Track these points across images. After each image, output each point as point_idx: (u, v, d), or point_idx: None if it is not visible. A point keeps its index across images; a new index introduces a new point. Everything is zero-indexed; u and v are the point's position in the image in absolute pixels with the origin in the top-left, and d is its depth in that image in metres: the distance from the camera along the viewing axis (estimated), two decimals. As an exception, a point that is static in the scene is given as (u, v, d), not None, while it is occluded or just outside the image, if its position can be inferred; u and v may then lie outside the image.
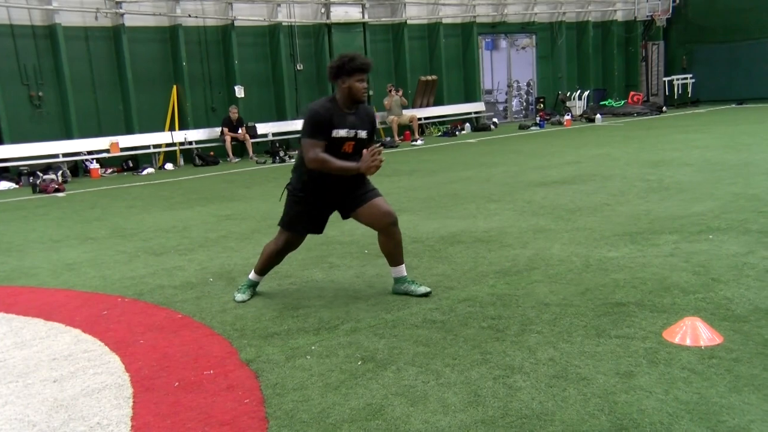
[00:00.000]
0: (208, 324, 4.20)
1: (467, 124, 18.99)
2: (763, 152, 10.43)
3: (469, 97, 20.05)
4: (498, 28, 20.85)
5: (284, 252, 4.63)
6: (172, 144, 15.33)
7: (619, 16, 23.42)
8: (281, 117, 16.80)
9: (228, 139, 15.28)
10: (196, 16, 15.74)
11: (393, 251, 4.49)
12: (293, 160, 5.62)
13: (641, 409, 2.78)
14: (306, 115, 4.23)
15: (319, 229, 4.59)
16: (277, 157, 14.63)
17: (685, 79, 23.12)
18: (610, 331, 3.65)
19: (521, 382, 3.11)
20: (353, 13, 17.87)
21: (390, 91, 17.18)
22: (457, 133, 18.21)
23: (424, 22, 19.21)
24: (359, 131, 4.26)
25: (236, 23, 16.16)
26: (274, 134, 16.25)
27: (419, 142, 16.66)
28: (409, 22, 18.64)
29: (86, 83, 14.80)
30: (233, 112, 15.50)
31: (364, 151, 4.16)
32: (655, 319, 3.77)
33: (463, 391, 3.06)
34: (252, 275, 4.73)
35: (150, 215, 8.71)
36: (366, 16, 18.02)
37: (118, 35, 14.91)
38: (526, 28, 21.32)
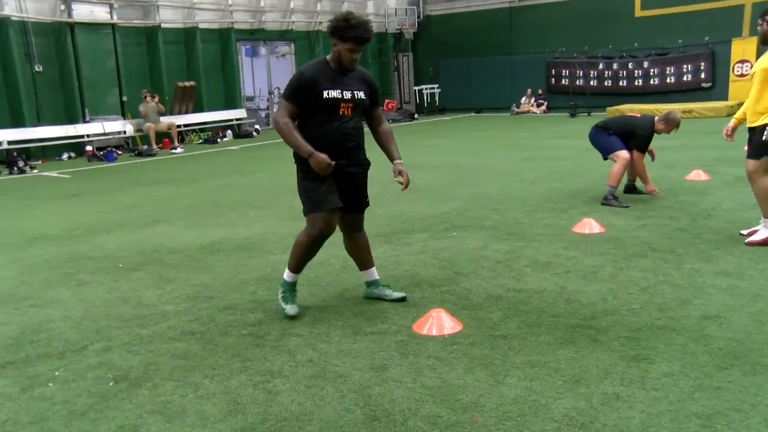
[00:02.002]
0: (-74, 360, 3.66)
1: (229, 131, 18.71)
2: (496, 156, 11.68)
3: (230, 103, 19.75)
4: (256, 35, 20.83)
5: (321, 241, 4.01)
6: None
7: (372, 28, 24.68)
8: (18, 123, 15.09)
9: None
10: None
11: (366, 256, 4.32)
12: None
13: (392, 399, 2.97)
14: (292, 77, 3.93)
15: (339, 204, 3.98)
16: (16, 168, 13.15)
17: (433, 88, 25.08)
18: (366, 329, 3.84)
19: (281, 385, 3.15)
20: (99, 13, 16.66)
21: (145, 97, 16.32)
22: (218, 140, 17.86)
23: (180, 26, 18.53)
24: (356, 92, 3.92)
25: (-50, 13, 14.16)
26: (9, 142, 14.57)
27: (179, 150, 16.06)
28: (163, 25, 17.85)
29: None
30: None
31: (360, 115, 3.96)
32: (407, 314, 4.04)
33: (223, 401, 3.02)
34: (288, 276, 4.13)
35: None
36: (115, 17, 16.93)
37: None
38: (284, 36, 21.57)
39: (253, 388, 3.13)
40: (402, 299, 4.29)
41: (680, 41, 19.89)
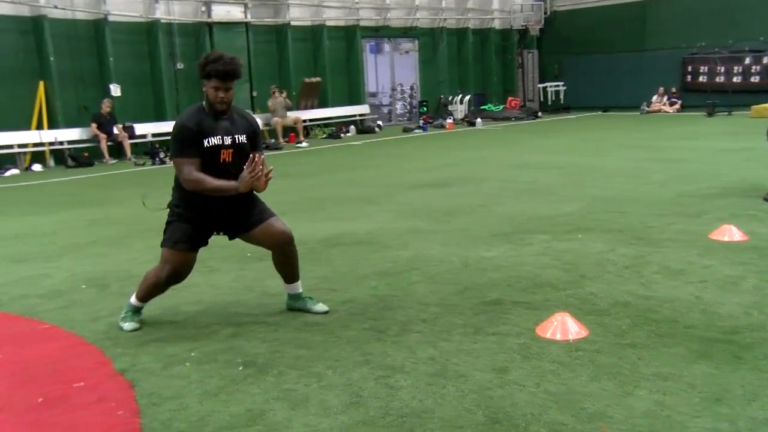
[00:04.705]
0: (79, 333, 3.98)
1: (352, 127, 19.11)
2: (619, 157, 11.19)
3: (354, 99, 20.16)
4: (381, 33, 21.12)
5: (170, 283, 4.02)
6: (41, 144, 14.36)
7: (497, 25, 24.36)
8: (161, 117, 16.16)
9: (103, 139, 14.53)
10: (63, 8, 14.76)
11: (289, 270, 4.16)
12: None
13: (514, 403, 2.90)
14: (173, 131, 3.82)
15: (204, 243, 4.08)
16: (157, 159, 14.10)
17: (558, 86, 24.40)
18: (487, 329, 3.78)
19: (402, 381, 3.16)
20: (235, 13, 17.52)
21: (274, 92, 16.98)
22: (341, 135, 18.28)
23: (308, 24, 19.13)
24: (237, 136, 3.81)
25: (110, 18, 15.39)
26: (153, 135, 15.62)
27: (304, 144, 16.59)
28: (292, 23, 18.50)
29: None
30: (106, 105, 14.71)
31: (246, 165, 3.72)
32: (529, 316, 3.95)
33: (345, 393, 3.07)
34: (134, 300, 4.10)
35: (11, 220, 8.13)
36: (248, 16, 17.72)
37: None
38: (408, 33, 21.72)
39: (375, 382, 3.16)
40: (326, 312, 4.13)
41: None
